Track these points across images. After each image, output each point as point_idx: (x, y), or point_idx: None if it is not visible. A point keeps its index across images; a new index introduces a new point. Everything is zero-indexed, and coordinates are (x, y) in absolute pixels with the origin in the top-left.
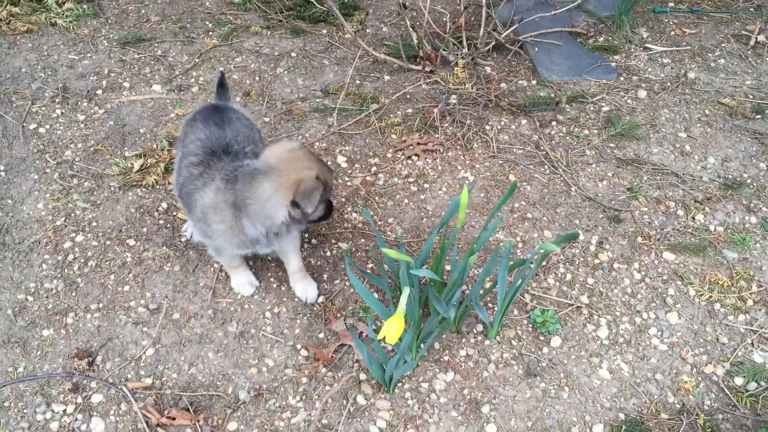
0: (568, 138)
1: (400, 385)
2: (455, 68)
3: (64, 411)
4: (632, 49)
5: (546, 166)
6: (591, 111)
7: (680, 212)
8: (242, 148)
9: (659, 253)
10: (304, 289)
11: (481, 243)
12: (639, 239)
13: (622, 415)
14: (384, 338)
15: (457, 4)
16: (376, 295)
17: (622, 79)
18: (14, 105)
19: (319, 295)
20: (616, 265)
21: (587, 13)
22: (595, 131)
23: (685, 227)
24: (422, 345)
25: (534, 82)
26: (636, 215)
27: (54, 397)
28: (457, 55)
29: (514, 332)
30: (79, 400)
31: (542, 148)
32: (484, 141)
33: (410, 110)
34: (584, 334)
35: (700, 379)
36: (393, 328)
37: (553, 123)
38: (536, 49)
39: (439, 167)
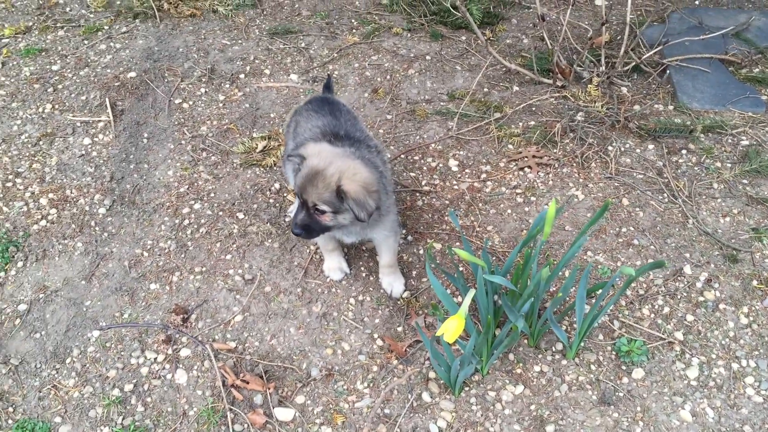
0: (696, 168)
1: (467, 389)
2: (588, 85)
3: (155, 359)
4: None
5: (665, 194)
6: (728, 143)
7: None
8: (353, 134)
9: None
10: (391, 282)
11: (566, 260)
12: (754, 282)
13: None
14: (443, 335)
15: (601, 21)
16: (455, 299)
17: None
18: (166, 80)
19: (404, 291)
20: (722, 306)
21: (746, 42)
22: (729, 165)
23: None
24: (494, 352)
25: (671, 107)
26: (756, 258)
27: (149, 345)
28: (592, 72)
29: (595, 357)
30: (170, 351)
31: (665, 175)
32: (603, 161)
33: (532, 122)
34: (671, 371)
35: None
36: (452, 327)
37: (683, 151)
38: (680, 73)
39: (550, 182)
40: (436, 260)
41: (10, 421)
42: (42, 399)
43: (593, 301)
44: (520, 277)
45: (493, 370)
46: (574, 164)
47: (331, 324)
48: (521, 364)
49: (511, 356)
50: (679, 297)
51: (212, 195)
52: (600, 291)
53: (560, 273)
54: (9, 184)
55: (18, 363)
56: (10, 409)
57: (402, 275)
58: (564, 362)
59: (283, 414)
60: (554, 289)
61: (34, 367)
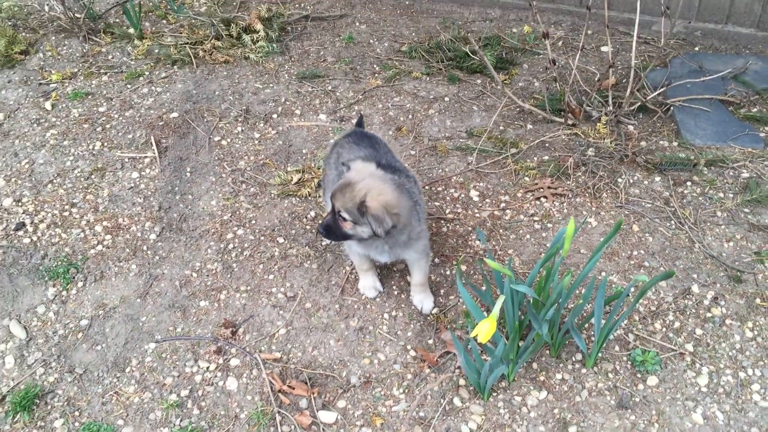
0: (700, 198)
1: (494, 395)
2: (597, 124)
3: (207, 368)
4: None
5: (672, 222)
6: (729, 176)
7: None
8: (393, 164)
9: None
10: (422, 300)
11: (585, 272)
12: (758, 300)
13: None
14: (476, 336)
15: (608, 65)
16: (484, 313)
17: None
18: (205, 120)
19: (433, 308)
20: (728, 321)
21: (744, 84)
22: (731, 195)
23: None
24: (519, 360)
25: (675, 143)
26: (759, 278)
27: (201, 356)
28: (600, 111)
29: (612, 366)
30: (221, 361)
31: (672, 204)
32: (614, 192)
33: (546, 157)
34: (683, 378)
35: None
36: (485, 329)
37: (688, 183)
38: (683, 112)
39: (565, 210)
40: (464, 276)
41: (76, 424)
42: (105, 404)
43: (608, 314)
44: (543, 289)
45: (519, 378)
46: (587, 194)
47: (367, 337)
48: (544, 372)
49: (535, 365)
50: (688, 313)
51: (253, 222)
52: (616, 300)
53: (578, 290)
54: (66, 214)
55: (82, 372)
56: (77, 413)
57: (431, 293)
58: (584, 371)
59: (327, 417)
60: (572, 305)
61: (96, 376)
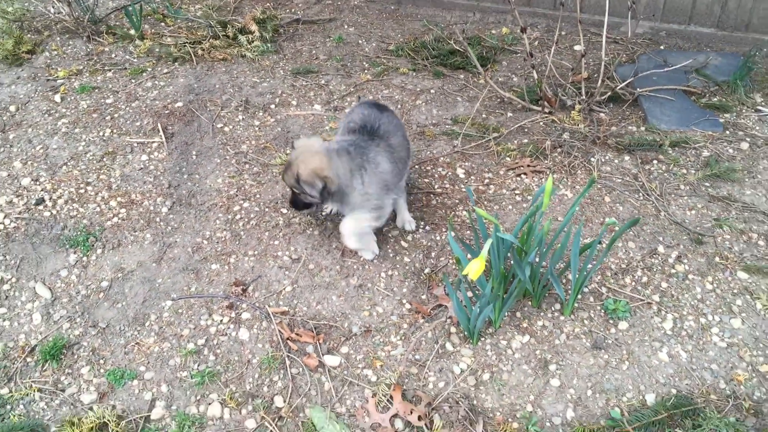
0: (665, 174)
1: (482, 340)
2: (572, 112)
3: (221, 321)
4: (743, 111)
5: (640, 194)
6: (691, 155)
7: (761, 243)
8: (378, 129)
9: (734, 272)
10: (406, 221)
11: (563, 225)
12: (717, 259)
13: (674, 390)
14: (467, 275)
15: (580, 57)
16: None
17: (727, 132)
18: (208, 109)
19: (417, 227)
20: (690, 276)
21: (704, 77)
22: (693, 171)
23: (764, 255)
24: (504, 307)
25: (643, 128)
26: (718, 241)
27: (214, 311)
28: (574, 100)
29: (587, 314)
30: (233, 315)
31: (640, 179)
32: (587, 169)
33: (525, 140)
34: (650, 324)
35: (754, 375)
36: (475, 267)
37: (654, 161)
38: (650, 101)
39: (543, 184)
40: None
41: (101, 371)
42: (128, 353)
43: (583, 265)
44: (525, 241)
45: (504, 325)
46: (563, 171)
47: (366, 293)
48: (526, 320)
49: (518, 314)
50: (654, 270)
51: (258, 196)
52: (590, 249)
53: (556, 244)
54: (81, 191)
55: (105, 326)
56: (101, 361)
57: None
58: (562, 318)
59: (332, 360)
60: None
61: (118, 330)
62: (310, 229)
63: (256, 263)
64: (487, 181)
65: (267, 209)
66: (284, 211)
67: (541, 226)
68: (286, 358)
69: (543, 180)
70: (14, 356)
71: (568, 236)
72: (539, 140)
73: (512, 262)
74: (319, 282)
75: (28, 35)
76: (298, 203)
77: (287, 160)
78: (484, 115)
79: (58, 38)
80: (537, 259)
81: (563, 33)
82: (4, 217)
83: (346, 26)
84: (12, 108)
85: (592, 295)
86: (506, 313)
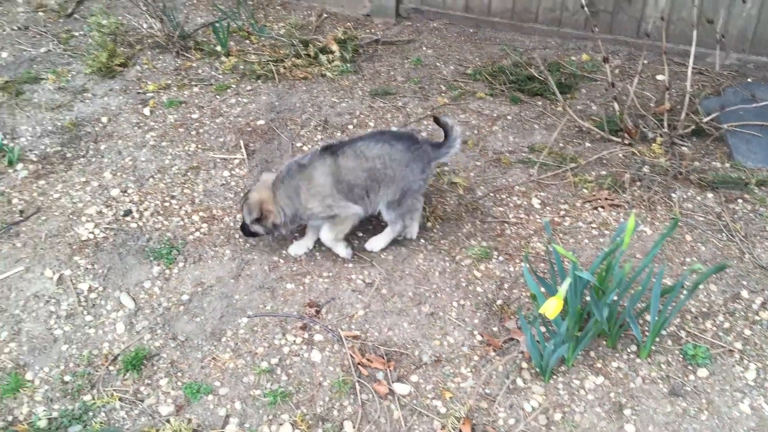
0: (751, 215)
1: (554, 377)
2: (652, 144)
3: (294, 341)
4: None
5: (724, 234)
6: None
7: None
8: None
9: None
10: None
11: (644, 265)
12: None
13: None
14: (544, 312)
15: (664, 89)
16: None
17: None
18: (288, 128)
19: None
20: None
21: None
22: None
23: None
24: (578, 345)
25: (728, 165)
26: None
27: (288, 330)
28: (656, 132)
29: (664, 358)
30: (306, 336)
31: (723, 219)
32: (668, 205)
33: (604, 172)
34: (732, 373)
35: None
36: (552, 306)
37: (739, 200)
38: (735, 137)
39: (621, 219)
40: (531, 266)
41: (179, 383)
42: (204, 368)
43: (663, 307)
44: (604, 279)
45: (577, 364)
46: (642, 206)
47: (437, 322)
48: (601, 360)
49: (592, 354)
50: (737, 316)
51: None
52: (671, 293)
53: (634, 285)
54: (166, 204)
55: (184, 339)
56: (179, 374)
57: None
58: (638, 361)
59: (402, 388)
60: (628, 302)
61: (196, 344)
62: (384, 254)
63: (330, 285)
64: (563, 212)
65: None
66: (360, 234)
67: (621, 265)
68: (357, 384)
69: (621, 214)
70: (98, 364)
71: (648, 277)
72: (618, 173)
73: (589, 299)
74: (392, 308)
75: (121, 49)
76: (245, 229)
77: (244, 193)
78: (561, 144)
79: (149, 52)
80: (615, 297)
81: (646, 62)
82: (94, 227)
83: (424, 48)
84: (104, 119)
85: (670, 338)
86: (580, 352)
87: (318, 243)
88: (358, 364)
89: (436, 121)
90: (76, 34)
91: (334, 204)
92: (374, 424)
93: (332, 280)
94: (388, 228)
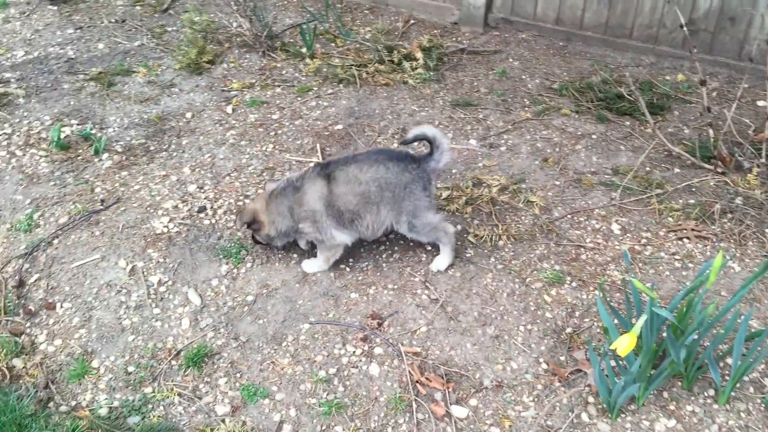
0: None
1: (623, 416)
2: (748, 174)
3: (354, 352)
4: None
5: None
6: None
7: None
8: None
9: None
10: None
11: (727, 308)
12: None
13: None
14: (615, 349)
15: (765, 118)
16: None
17: None
18: (365, 134)
19: (315, 271)
20: None
21: None
22: None
23: None
24: (651, 385)
25: None
26: None
27: (348, 341)
28: (753, 162)
29: (744, 406)
30: (366, 348)
31: None
32: (760, 241)
33: (692, 201)
34: None
35: None
36: (625, 343)
37: None
38: None
39: (708, 253)
40: (605, 296)
41: (237, 384)
42: (263, 371)
43: (746, 353)
44: (683, 318)
45: (648, 404)
46: (732, 240)
47: (502, 345)
48: (675, 402)
49: (666, 394)
50: None
51: None
52: (757, 339)
53: (717, 327)
54: (240, 203)
55: (245, 340)
56: (238, 375)
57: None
58: (715, 406)
59: (459, 411)
60: (708, 341)
61: (257, 345)
62: (452, 270)
63: (394, 298)
64: (644, 241)
65: (412, 243)
66: (428, 248)
67: (704, 303)
68: (414, 402)
69: (708, 247)
70: (161, 357)
71: (734, 318)
72: (708, 202)
73: (665, 337)
74: (455, 327)
75: (211, 46)
76: (254, 237)
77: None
78: (647, 168)
79: (237, 51)
80: (695, 337)
81: (746, 86)
82: (169, 221)
83: (510, 60)
84: (188, 115)
85: (752, 385)
86: (652, 391)
87: (383, 252)
88: (417, 381)
89: (404, 143)
90: (170, 29)
91: (322, 231)
92: None
93: (397, 293)
94: (440, 247)
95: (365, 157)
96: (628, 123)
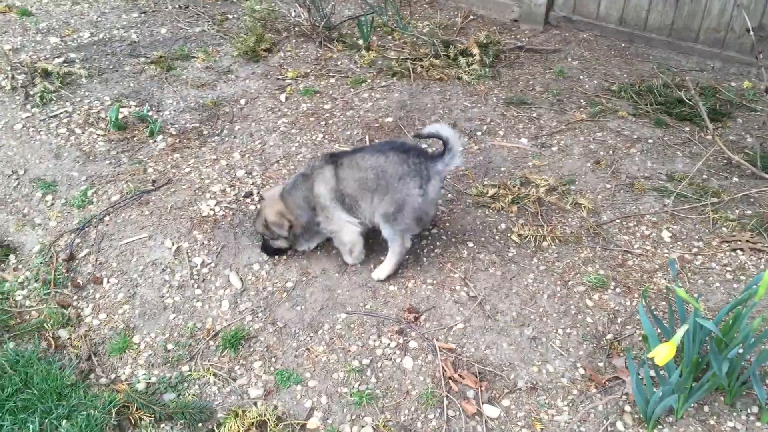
0: None
1: (659, 427)
2: None
3: (388, 344)
4: None
5: None
6: None
7: None
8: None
9: None
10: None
11: None
12: None
13: None
14: (653, 358)
15: None
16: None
17: None
18: (415, 128)
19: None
20: None
21: None
22: None
23: None
24: (690, 398)
25: None
26: None
27: (384, 333)
28: None
29: None
30: (401, 341)
31: None
32: None
33: (749, 212)
34: None
35: None
36: (663, 351)
37: None
38: None
39: (762, 266)
40: (649, 304)
41: (271, 369)
42: (297, 357)
43: None
44: (729, 331)
45: (687, 417)
46: None
47: (539, 347)
48: (715, 417)
49: (706, 408)
50: None
51: (447, 224)
52: None
53: (765, 343)
54: None
55: (282, 326)
56: (273, 359)
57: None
58: (758, 424)
59: (491, 411)
60: (753, 357)
61: (293, 332)
62: (493, 268)
63: (432, 293)
64: (695, 250)
65: (454, 239)
66: (470, 244)
67: (751, 318)
68: (445, 398)
69: (762, 260)
70: (199, 337)
71: None
72: (766, 214)
73: (709, 350)
74: (492, 325)
75: (269, 34)
76: (268, 248)
77: (257, 209)
78: (704, 176)
79: (294, 40)
80: (740, 351)
81: None
82: (216, 204)
83: (569, 59)
84: (242, 101)
85: None
86: (692, 404)
87: (424, 247)
88: (450, 378)
89: (418, 136)
90: (230, 16)
91: (330, 215)
92: None
93: (435, 288)
94: (389, 251)
95: (375, 146)
96: (687, 129)
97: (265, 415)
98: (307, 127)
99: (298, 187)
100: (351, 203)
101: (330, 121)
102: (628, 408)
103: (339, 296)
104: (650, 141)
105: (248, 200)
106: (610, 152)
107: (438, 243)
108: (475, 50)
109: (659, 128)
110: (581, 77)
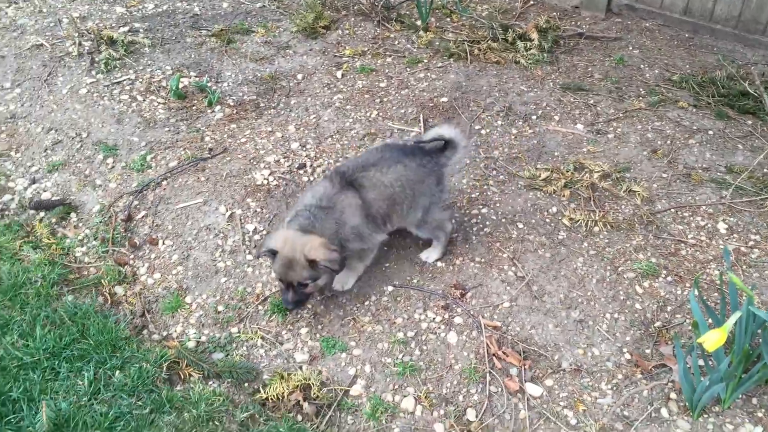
0: None
1: (705, 416)
2: None
3: (433, 319)
4: None
5: None
6: None
7: None
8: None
9: None
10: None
11: None
12: None
13: None
14: (703, 343)
15: None
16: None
17: None
18: (470, 109)
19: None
20: None
21: None
22: None
23: None
24: (739, 388)
25: None
26: None
27: (430, 307)
28: None
29: None
30: (446, 316)
31: None
32: None
33: None
34: None
35: None
36: (714, 338)
37: None
38: None
39: None
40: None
41: (318, 335)
42: (343, 326)
43: None
44: None
45: (734, 407)
46: None
47: (585, 330)
48: (764, 410)
49: (755, 400)
50: None
51: (498, 205)
52: None
53: None
54: (338, 164)
55: (330, 295)
56: (319, 326)
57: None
58: None
59: (533, 389)
60: None
61: (341, 301)
62: (542, 250)
63: (479, 271)
64: (752, 243)
65: (503, 220)
66: (520, 225)
67: None
68: (488, 374)
69: None
70: (249, 301)
71: None
72: None
73: (761, 341)
74: (539, 306)
75: (328, 12)
76: (303, 298)
77: (282, 261)
78: (765, 170)
79: (353, 19)
80: None
81: None
82: (269, 174)
83: (630, 48)
84: (299, 76)
85: None
86: (740, 395)
87: (474, 225)
88: (493, 355)
89: (420, 143)
90: None
91: (364, 236)
92: (498, 418)
93: (483, 266)
94: (434, 242)
95: (378, 157)
96: (750, 122)
97: (309, 379)
98: (362, 104)
99: (318, 219)
100: (383, 220)
101: (385, 99)
102: (673, 395)
103: (387, 269)
104: (710, 132)
105: (301, 172)
106: (668, 142)
107: (488, 223)
108: (534, 35)
109: (720, 120)
110: (642, 66)
